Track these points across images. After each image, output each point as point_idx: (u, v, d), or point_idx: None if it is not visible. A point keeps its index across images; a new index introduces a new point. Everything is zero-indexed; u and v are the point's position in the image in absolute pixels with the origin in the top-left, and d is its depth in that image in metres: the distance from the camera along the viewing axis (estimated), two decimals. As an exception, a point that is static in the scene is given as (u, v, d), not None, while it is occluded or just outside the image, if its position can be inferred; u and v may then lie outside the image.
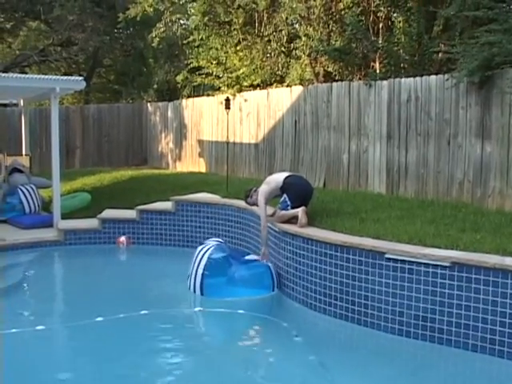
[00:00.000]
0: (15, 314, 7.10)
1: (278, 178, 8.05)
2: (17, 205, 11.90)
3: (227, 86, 15.82)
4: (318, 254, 6.80)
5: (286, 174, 8.12)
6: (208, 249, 7.70)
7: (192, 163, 17.36)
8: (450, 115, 9.19)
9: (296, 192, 7.78)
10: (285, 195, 7.80)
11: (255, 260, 7.87)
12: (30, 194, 12.09)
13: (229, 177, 11.71)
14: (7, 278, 8.50)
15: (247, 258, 7.97)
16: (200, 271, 7.48)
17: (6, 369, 5.21)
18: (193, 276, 7.56)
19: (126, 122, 20.08)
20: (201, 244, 8.12)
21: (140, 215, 10.61)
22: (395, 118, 10.16)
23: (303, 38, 12.90)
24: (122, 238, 10.51)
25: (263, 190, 7.95)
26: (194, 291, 7.52)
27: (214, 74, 16.31)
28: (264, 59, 14.79)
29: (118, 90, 25.20)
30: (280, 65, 14.49)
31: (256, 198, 8.00)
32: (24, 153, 14.24)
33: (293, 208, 7.60)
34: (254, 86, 15.23)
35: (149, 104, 20.41)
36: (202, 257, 7.58)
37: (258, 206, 7.94)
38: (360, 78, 11.82)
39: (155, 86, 22.63)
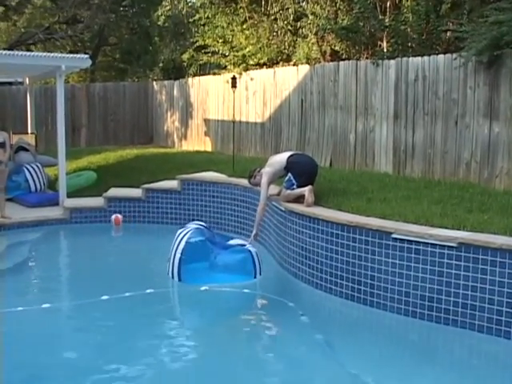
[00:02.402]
0: (21, 292, 7.16)
1: (282, 158, 8.00)
2: (22, 183, 11.93)
3: (233, 64, 15.74)
4: (325, 234, 6.80)
5: (288, 154, 8.08)
6: (186, 233, 7.45)
7: (198, 142, 17.32)
8: (457, 95, 9.12)
9: (300, 171, 7.74)
10: (289, 174, 7.77)
11: (238, 245, 7.62)
12: (36, 173, 12.11)
13: (235, 156, 11.69)
14: (13, 256, 8.54)
15: (230, 242, 7.73)
16: (178, 256, 7.21)
17: (12, 346, 5.24)
18: (171, 261, 7.31)
19: (131, 101, 20.03)
20: (181, 227, 7.84)
21: (146, 194, 10.61)
22: (402, 97, 10.08)
23: (310, 17, 12.81)
24: (112, 217, 10.53)
25: (267, 172, 7.90)
26: (172, 277, 7.27)
27: (220, 52, 16.24)
28: (270, 38, 14.71)
29: (123, 69, 25.04)
30: (286, 43, 14.41)
31: (260, 178, 7.96)
32: (29, 131, 14.24)
33: (299, 187, 7.57)
34: (260, 65, 15.16)
35: (154, 82, 20.35)
36: (181, 241, 7.33)
37: (260, 187, 7.90)
38: (367, 57, 11.74)
39: (161, 65, 22.55)
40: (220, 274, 7.22)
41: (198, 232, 7.55)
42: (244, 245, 7.57)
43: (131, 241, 10.05)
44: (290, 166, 7.81)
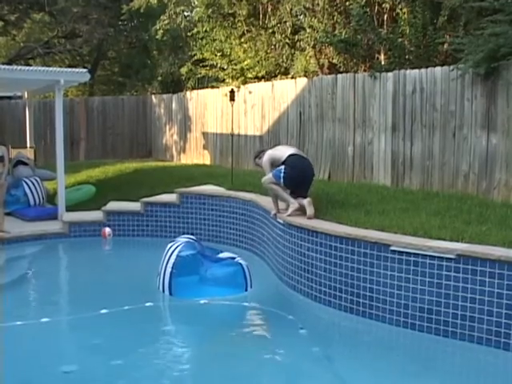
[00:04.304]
0: (20, 307, 7.15)
1: (284, 152, 7.95)
2: (21, 197, 11.94)
3: (232, 77, 15.83)
4: (323, 247, 6.81)
5: (290, 152, 7.96)
6: (177, 246, 7.43)
7: (196, 155, 17.37)
8: (455, 107, 9.17)
9: (292, 178, 7.69)
10: (282, 167, 7.72)
11: (228, 258, 7.59)
12: (35, 187, 12.14)
13: (233, 169, 11.70)
14: (12, 270, 8.56)
15: (220, 255, 7.70)
16: (168, 270, 7.17)
17: (12, 361, 5.23)
18: (161, 275, 7.27)
19: (130, 114, 20.11)
20: (171, 241, 7.80)
21: (144, 207, 10.63)
22: (400, 109, 10.14)
23: (308, 30, 12.86)
24: (109, 230, 10.56)
25: (269, 154, 8.09)
26: (163, 291, 7.23)
27: (219, 65, 16.34)
28: (268, 51, 14.78)
29: (122, 82, 25.24)
30: (284, 56, 14.48)
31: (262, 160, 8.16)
32: (28, 145, 14.29)
33: (292, 192, 7.67)
34: (258, 78, 15.23)
35: (153, 96, 20.43)
36: (171, 254, 7.30)
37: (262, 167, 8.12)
38: (365, 70, 11.80)
39: (159, 78, 22.67)
40: (211, 288, 7.19)
41: (188, 246, 7.52)
42: (234, 258, 7.56)
43: (129, 254, 10.04)
44: (285, 166, 7.76)
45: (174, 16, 17.50)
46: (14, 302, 7.17)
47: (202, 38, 16.87)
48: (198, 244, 7.83)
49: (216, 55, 16.33)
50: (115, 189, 12.63)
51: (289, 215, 7.55)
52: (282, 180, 7.65)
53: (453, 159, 9.23)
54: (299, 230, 7.23)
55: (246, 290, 7.33)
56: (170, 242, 7.76)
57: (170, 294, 7.20)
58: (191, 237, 8.07)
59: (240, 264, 7.39)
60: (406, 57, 11.16)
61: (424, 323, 5.89)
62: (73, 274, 9.15)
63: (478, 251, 5.55)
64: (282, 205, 7.98)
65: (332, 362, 5.44)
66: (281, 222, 7.72)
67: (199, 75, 17.95)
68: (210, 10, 15.72)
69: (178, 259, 7.23)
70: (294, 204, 7.56)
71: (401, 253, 6.02)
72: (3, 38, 23.57)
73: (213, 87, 17.00)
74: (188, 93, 18.07)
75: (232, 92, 11.55)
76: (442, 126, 9.38)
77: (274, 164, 7.96)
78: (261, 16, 15.07)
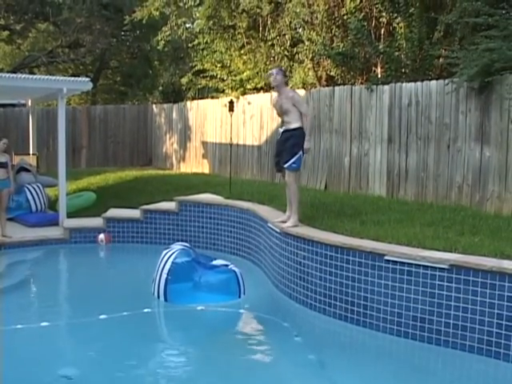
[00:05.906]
0: (21, 311, 7.23)
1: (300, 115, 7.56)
2: (23, 203, 12.06)
3: (231, 88, 15.96)
4: (319, 255, 6.89)
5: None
6: (172, 253, 7.53)
7: (196, 164, 17.48)
8: (449, 120, 9.31)
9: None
10: (300, 153, 7.52)
11: (222, 265, 7.70)
12: (37, 193, 12.25)
13: (232, 178, 11.80)
14: (13, 274, 8.62)
15: (214, 262, 7.78)
16: (164, 276, 7.28)
17: (11, 364, 5.30)
18: (157, 281, 7.37)
19: (131, 123, 20.24)
20: (166, 248, 7.88)
21: (144, 215, 10.73)
22: (396, 122, 10.27)
23: (306, 43, 13.01)
24: (101, 236, 10.66)
25: (300, 97, 7.79)
26: (158, 297, 7.33)
27: (219, 76, 16.48)
28: (268, 63, 14.90)
29: (124, 92, 25.39)
30: (283, 68, 14.58)
31: (282, 79, 7.73)
32: (31, 152, 14.39)
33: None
34: (257, 89, 15.36)
35: (154, 105, 20.56)
36: (167, 261, 7.39)
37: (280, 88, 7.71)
38: (362, 83, 11.92)
39: (160, 88, 22.80)
40: (205, 294, 7.30)
41: (183, 253, 7.63)
42: (228, 265, 7.66)
43: (128, 261, 10.11)
44: (298, 133, 7.55)
45: (175, 27, 17.66)
46: (14, 306, 7.26)
47: (202, 50, 17.02)
48: (193, 251, 7.94)
49: (216, 66, 16.47)
50: (115, 196, 12.72)
51: (287, 226, 7.64)
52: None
53: (447, 171, 9.35)
54: (295, 238, 7.32)
55: (239, 297, 7.45)
56: (165, 248, 7.86)
57: (165, 300, 7.31)
58: (186, 244, 8.18)
59: (233, 271, 7.51)
60: (402, 70, 11.29)
61: (417, 332, 5.96)
62: (72, 279, 9.24)
63: (470, 262, 5.63)
64: (280, 214, 8.09)
65: (326, 369, 5.50)
66: (278, 230, 7.80)
67: (199, 85, 18.09)
68: (211, 22, 15.87)
69: (173, 266, 7.34)
70: (297, 221, 7.64)
71: (395, 262, 6.09)
72: (9, 46, 23.77)
73: (213, 97, 17.14)
74: (188, 103, 18.21)
75: (231, 103, 11.67)
76: (437, 138, 9.51)
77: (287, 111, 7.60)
78: (260, 28, 15.21)
